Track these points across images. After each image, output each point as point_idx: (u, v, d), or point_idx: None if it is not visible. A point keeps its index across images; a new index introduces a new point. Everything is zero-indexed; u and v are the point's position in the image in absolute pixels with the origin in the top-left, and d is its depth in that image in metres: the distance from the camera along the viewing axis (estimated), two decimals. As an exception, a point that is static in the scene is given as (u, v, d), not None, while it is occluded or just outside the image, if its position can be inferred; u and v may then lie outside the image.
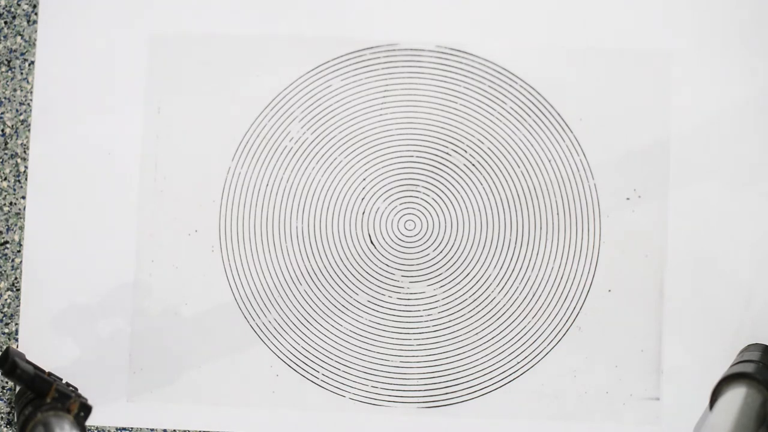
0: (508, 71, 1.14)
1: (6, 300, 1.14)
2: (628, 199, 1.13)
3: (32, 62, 1.15)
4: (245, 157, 1.15)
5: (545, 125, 1.14)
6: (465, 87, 1.15)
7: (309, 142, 1.15)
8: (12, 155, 1.15)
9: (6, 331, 1.14)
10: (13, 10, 1.16)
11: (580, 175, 1.14)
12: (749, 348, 1.10)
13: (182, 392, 1.14)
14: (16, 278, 1.14)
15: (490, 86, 1.15)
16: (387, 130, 1.15)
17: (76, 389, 1.08)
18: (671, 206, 1.13)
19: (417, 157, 1.15)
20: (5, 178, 1.15)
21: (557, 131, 1.14)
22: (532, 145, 1.14)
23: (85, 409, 1.01)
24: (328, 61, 1.15)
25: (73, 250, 1.14)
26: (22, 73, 1.15)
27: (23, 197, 1.15)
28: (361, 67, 1.15)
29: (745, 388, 1.01)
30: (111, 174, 1.15)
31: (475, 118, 1.14)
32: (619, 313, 1.12)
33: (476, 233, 1.14)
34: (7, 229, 1.15)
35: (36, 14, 1.16)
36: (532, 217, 1.14)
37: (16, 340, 1.14)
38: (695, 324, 1.12)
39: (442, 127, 1.15)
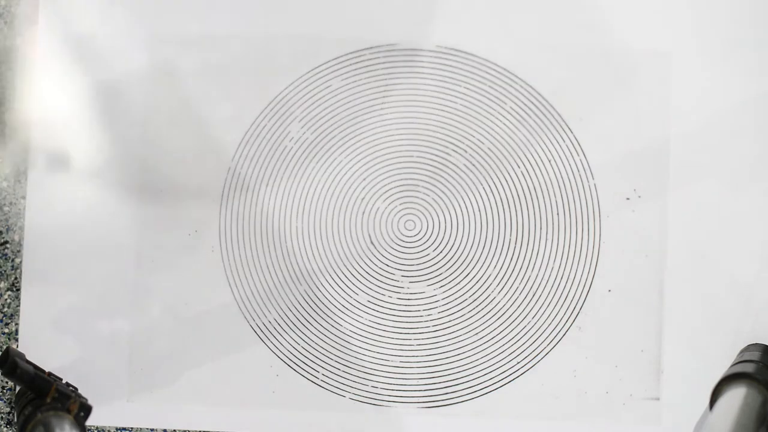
0: (508, 71, 1.14)
1: (6, 300, 1.14)
2: (628, 199, 1.13)
3: (32, 62, 1.15)
4: (245, 157, 1.15)
5: (545, 125, 1.14)
6: (465, 87, 1.15)
7: (309, 142, 1.15)
8: (12, 155, 1.15)
9: (6, 331, 1.14)
10: (13, 10, 1.16)
11: (580, 175, 1.14)
12: (749, 348, 1.10)
13: (182, 392, 1.14)
14: (16, 278, 1.14)
15: (490, 86, 1.14)
16: (387, 130, 1.15)
17: (76, 389, 1.08)
18: (671, 206, 1.13)
19: (417, 157, 1.15)
20: (5, 178, 1.15)
21: (557, 131, 1.14)
22: (532, 145, 1.14)
23: (85, 409, 1.01)
24: (328, 61, 1.15)
25: (73, 251, 1.14)
26: (22, 73, 1.15)
27: (23, 197, 1.15)
28: (361, 67, 1.15)
29: (745, 388, 1.01)
30: (111, 174, 1.14)
31: (475, 118, 1.14)
32: (619, 313, 1.12)
33: (476, 233, 1.14)
34: (7, 229, 1.15)
35: (36, 14, 1.16)
36: (532, 217, 1.14)
37: (16, 340, 1.14)
38: (695, 324, 1.12)
39: (442, 127, 1.15)
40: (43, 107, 1.15)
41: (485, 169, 1.14)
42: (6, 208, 1.15)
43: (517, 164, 1.14)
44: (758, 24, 1.13)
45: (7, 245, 1.15)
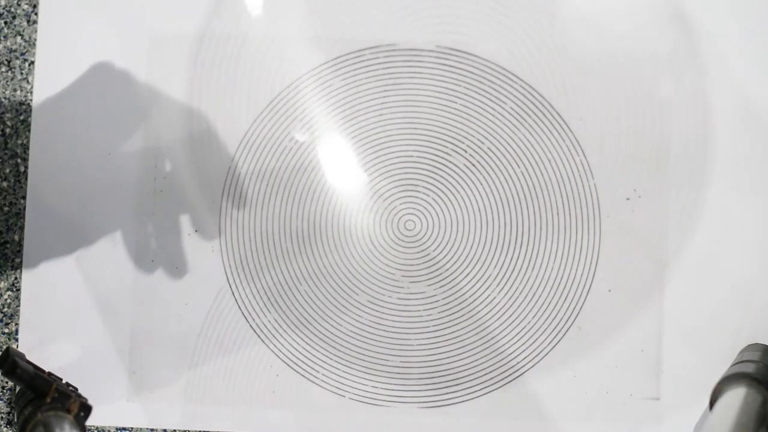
0: (508, 71, 1.14)
1: (6, 300, 1.14)
2: (628, 199, 1.13)
3: (32, 62, 1.15)
4: (245, 157, 1.15)
5: (545, 125, 1.14)
6: (465, 87, 1.15)
7: (309, 142, 1.15)
8: (12, 155, 1.15)
9: (6, 331, 1.14)
10: (13, 10, 1.16)
11: (580, 175, 1.14)
12: (749, 348, 1.10)
13: (182, 392, 1.14)
14: (16, 278, 1.14)
15: (490, 86, 1.14)
16: (387, 130, 1.15)
17: (76, 389, 1.08)
18: (671, 206, 1.13)
19: (417, 157, 1.15)
20: (5, 178, 1.15)
21: (557, 131, 1.14)
22: (532, 145, 1.14)
23: (85, 409, 1.01)
24: (328, 61, 1.15)
25: (73, 250, 1.14)
26: (22, 73, 1.15)
27: (23, 197, 1.15)
28: (361, 67, 1.15)
29: (745, 388, 1.01)
30: (111, 174, 1.14)
31: (475, 118, 1.14)
32: (619, 313, 1.12)
33: (476, 233, 1.14)
34: (7, 229, 1.15)
35: (36, 14, 1.16)
36: (532, 217, 1.14)
37: (16, 340, 1.14)
38: (695, 324, 1.12)
39: (442, 127, 1.15)
40: (42, 107, 1.15)
41: (485, 169, 1.14)
42: (6, 208, 1.15)
43: (517, 164, 1.14)
44: (759, 24, 1.13)
45: (7, 245, 1.15)
